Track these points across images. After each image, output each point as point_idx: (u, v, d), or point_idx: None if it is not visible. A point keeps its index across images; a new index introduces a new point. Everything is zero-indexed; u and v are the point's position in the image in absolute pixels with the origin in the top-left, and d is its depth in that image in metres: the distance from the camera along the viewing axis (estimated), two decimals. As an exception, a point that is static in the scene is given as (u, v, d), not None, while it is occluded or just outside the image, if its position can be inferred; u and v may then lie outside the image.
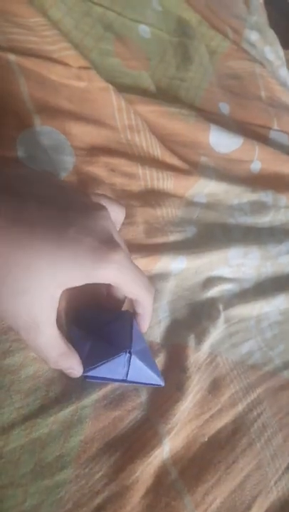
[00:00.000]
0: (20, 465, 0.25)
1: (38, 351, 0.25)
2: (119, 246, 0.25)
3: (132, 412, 0.30)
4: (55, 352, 0.25)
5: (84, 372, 0.27)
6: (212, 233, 0.44)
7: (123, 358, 0.27)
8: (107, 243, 0.24)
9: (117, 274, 0.24)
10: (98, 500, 0.27)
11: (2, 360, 0.26)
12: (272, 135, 0.57)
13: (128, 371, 0.27)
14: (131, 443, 0.29)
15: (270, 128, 0.57)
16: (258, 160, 0.52)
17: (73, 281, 0.23)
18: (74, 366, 0.27)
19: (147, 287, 0.28)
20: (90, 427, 0.28)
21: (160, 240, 0.39)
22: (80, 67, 0.37)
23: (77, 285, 0.24)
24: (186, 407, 0.32)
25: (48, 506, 0.25)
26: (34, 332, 0.24)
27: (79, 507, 0.26)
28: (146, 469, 0.29)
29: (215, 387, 0.36)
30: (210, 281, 0.41)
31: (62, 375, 0.28)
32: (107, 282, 0.25)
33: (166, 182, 0.42)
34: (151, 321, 0.34)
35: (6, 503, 0.24)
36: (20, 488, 0.25)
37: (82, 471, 0.27)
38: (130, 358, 0.27)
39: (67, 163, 0.35)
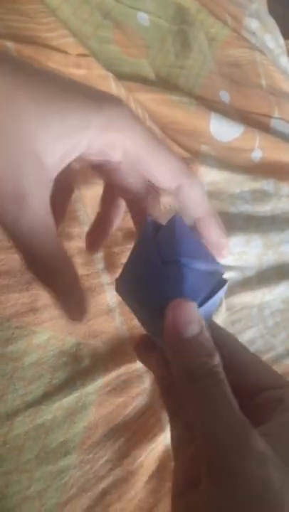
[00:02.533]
0: (24, 451, 0.25)
1: (19, 237, 0.18)
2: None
3: (135, 398, 0.30)
4: (41, 246, 0.18)
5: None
6: (213, 222, 0.44)
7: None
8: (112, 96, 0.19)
9: (128, 127, 0.18)
10: (102, 485, 0.27)
11: (5, 348, 0.26)
12: (273, 123, 0.57)
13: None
14: (135, 429, 0.29)
15: (271, 116, 0.57)
16: (259, 148, 0.52)
17: (64, 138, 0.17)
18: (67, 284, 0.19)
19: (185, 166, 0.21)
20: (94, 413, 0.28)
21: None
22: (78, 55, 0.37)
23: (69, 146, 0.18)
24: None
25: (52, 491, 0.25)
26: (19, 205, 0.17)
27: (83, 492, 0.26)
28: (151, 455, 0.29)
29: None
30: (212, 270, 0.41)
31: (67, 362, 0.28)
32: (113, 147, 0.19)
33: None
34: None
35: (11, 489, 0.24)
36: (25, 474, 0.25)
37: (86, 457, 0.27)
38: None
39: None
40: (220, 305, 0.39)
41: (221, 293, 0.21)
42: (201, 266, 0.20)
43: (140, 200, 0.23)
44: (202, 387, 0.17)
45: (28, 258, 0.19)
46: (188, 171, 0.21)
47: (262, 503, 0.14)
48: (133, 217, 0.24)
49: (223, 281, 0.21)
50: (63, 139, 0.17)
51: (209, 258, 0.21)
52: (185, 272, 0.19)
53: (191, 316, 0.18)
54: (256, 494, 0.14)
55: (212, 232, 0.23)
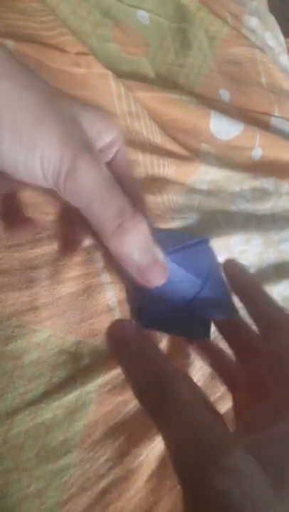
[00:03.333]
0: (24, 449, 0.25)
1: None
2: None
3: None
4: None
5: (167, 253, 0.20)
6: (213, 220, 0.44)
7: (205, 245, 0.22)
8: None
9: None
10: (103, 483, 0.27)
11: (4, 346, 0.26)
12: (274, 122, 0.56)
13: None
14: (135, 427, 0.29)
15: (271, 115, 0.57)
16: (259, 147, 0.52)
17: None
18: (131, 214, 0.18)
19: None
20: (94, 411, 0.28)
21: (162, 227, 0.38)
22: (78, 53, 0.37)
23: None
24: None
25: (52, 490, 0.25)
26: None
27: (84, 490, 0.26)
28: (151, 453, 0.29)
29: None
30: (212, 268, 0.41)
31: (67, 361, 0.28)
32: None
33: (167, 169, 0.41)
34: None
35: (11, 487, 0.24)
36: (25, 473, 0.25)
37: (86, 455, 0.27)
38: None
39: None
40: None
41: (208, 247, 0.23)
42: (184, 244, 0.22)
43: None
44: (162, 397, 0.16)
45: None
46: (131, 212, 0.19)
47: None
48: None
49: (206, 239, 0.23)
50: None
51: (187, 236, 0.23)
52: (178, 259, 0.21)
53: (125, 337, 0.19)
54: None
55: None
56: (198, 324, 0.21)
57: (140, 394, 0.17)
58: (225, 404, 0.34)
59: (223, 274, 0.23)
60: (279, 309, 0.22)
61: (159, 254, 0.19)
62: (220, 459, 0.14)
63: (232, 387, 0.23)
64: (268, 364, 0.20)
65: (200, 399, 0.17)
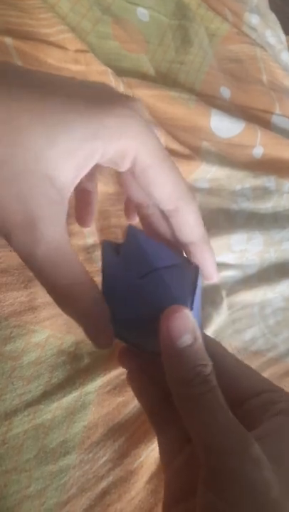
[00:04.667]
0: (23, 451, 0.25)
1: (36, 270, 0.17)
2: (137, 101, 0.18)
3: (135, 397, 0.30)
4: (59, 274, 0.17)
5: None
6: (214, 219, 0.44)
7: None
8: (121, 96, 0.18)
9: (134, 133, 0.17)
10: (102, 485, 0.26)
11: (3, 347, 0.26)
12: (275, 120, 0.56)
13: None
14: (135, 428, 0.29)
15: (272, 112, 0.56)
16: (261, 145, 0.51)
17: (73, 152, 0.16)
18: (90, 310, 0.18)
19: (186, 188, 0.20)
20: (94, 412, 0.28)
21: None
22: (77, 51, 0.37)
23: (80, 159, 0.17)
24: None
25: (52, 491, 0.25)
26: (31, 234, 0.16)
27: (83, 492, 0.26)
28: (151, 454, 0.29)
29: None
30: (213, 268, 0.41)
31: (66, 361, 0.28)
32: (120, 153, 0.18)
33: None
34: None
35: (10, 488, 0.24)
36: (24, 474, 0.25)
37: (86, 457, 0.27)
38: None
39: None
40: (220, 304, 0.39)
41: (200, 280, 0.21)
42: (173, 264, 0.20)
43: (144, 207, 0.23)
44: (198, 396, 0.17)
45: (47, 286, 0.18)
46: (188, 193, 0.20)
47: (263, 509, 0.14)
48: (140, 220, 0.24)
49: (196, 269, 0.21)
50: (73, 153, 0.16)
51: (175, 254, 0.22)
52: (166, 277, 0.19)
53: (186, 324, 0.18)
54: (258, 500, 0.14)
55: (206, 261, 0.22)
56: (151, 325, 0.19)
57: (181, 383, 0.18)
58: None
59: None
60: None
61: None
62: (248, 449, 0.15)
63: (157, 424, 0.23)
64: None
65: (226, 404, 0.17)
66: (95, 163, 0.17)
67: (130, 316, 0.20)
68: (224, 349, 0.22)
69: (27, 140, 0.15)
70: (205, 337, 0.21)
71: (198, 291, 0.20)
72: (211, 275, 0.23)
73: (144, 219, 0.23)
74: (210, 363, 0.18)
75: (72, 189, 0.17)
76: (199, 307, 0.21)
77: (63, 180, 0.16)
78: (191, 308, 0.19)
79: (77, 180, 0.17)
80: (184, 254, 0.23)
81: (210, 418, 0.16)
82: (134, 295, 0.20)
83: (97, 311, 0.19)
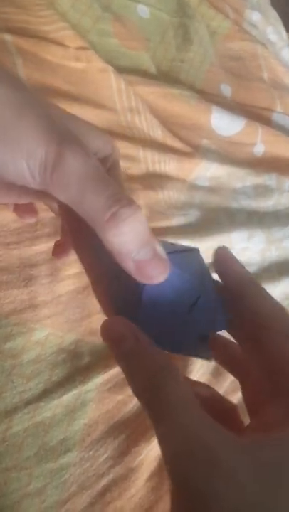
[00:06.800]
0: (24, 448, 0.25)
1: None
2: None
3: None
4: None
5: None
6: (215, 217, 0.44)
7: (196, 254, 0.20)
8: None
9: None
10: (103, 482, 0.26)
11: (3, 345, 0.26)
12: (275, 117, 0.56)
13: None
14: (135, 426, 0.29)
15: (273, 110, 0.56)
16: (261, 143, 0.51)
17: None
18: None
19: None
20: (94, 410, 0.28)
21: (163, 223, 0.38)
22: (77, 48, 0.36)
23: None
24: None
25: (52, 489, 0.25)
26: None
27: (84, 489, 0.26)
28: (151, 452, 0.29)
29: (218, 371, 0.36)
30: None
31: (66, 359, 0.28)
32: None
33: (168, 165, 0.41)
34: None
35: (10, 486, 0.24)
36: (24, 471, 0.25)
37: (86, 454, 0.27)
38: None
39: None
40: None
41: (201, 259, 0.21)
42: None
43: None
44: (153, 400, 0.15)
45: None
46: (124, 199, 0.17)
47: None
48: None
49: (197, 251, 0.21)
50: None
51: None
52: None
53: (119, 333, 0.17)
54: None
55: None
56: (201, 343, 0.20)
57: (136, 395, 0.16)
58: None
59: (213, 284, 0.21)
60: (275, 305, 0.19)
61: (158, 247, 0.17)
62: (212, 470, 0.13)
63: (240, 377, 0.21)
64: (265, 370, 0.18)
65: (192, 400, 0.15)
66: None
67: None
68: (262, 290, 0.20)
69: None
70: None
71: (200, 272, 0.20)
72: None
73: None
74: (161, 362, 0.16)
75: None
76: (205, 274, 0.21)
77: None
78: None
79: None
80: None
81: (168, 424, 0.14)
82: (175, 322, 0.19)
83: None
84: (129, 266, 0.17)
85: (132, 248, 0.17)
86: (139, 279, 0.18)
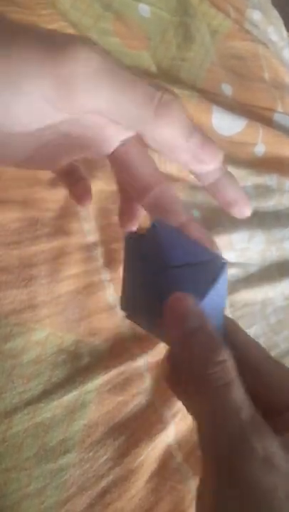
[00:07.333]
0: (23, 449, 0.25)
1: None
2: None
3: (136, 396, 0.30)
4: None
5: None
6: (216, 217, 0.44)
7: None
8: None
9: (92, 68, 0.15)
10: (103, 483, 0.26)
11: (3, 345, 0.26)
12: (277, 117, 0.56)
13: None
14: (135, 427, 0.29)
15: (274, 110, 0.56)
16: (262, 143, 0.51)
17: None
18: None
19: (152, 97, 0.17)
20: (94, 411, 0.28)
21: (163, 223, 0.38)
22: (78, 47, 0.36)
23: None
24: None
25: (52, 489, 0.25)
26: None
27: (83, 490, 0.26)
28: (151, 453, 0.29)
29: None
30: (214, 266, 0.41)
31: (66, 360, 0.28)
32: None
33: (168, 165, 0.41)
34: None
35: (10, 486, 0.24)
36: (24, 472, 0.25)
37: (86, 455, 0.27)
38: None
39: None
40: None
41: (224, 277, 0.20)
42: (195, 261, 0.20)
43: (146, 193, 0.21)
44: (203, 385, 0.15)
45: None
46: (155, 103, 0.16)
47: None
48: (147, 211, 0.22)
49: (222, 265, 0.20)
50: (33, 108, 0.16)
51: (203, 250, 0.20)
52: (180, 274, 0.19)
53: (187, 310, 0.17)
54: (256, 500, 0.13)
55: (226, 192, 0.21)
56: None
57: (193, 374, 0.16)
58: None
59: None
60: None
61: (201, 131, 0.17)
62: (253, 446, 0.14)
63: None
64: None
65: (237, 379, 0.16)
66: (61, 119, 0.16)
67: (142, 310, 0.20)
68: (264, 351, 0.21)
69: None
70: (244, 335, 0.21)
71: (219, 288, 0.19)
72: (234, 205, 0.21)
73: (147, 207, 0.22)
74: (222, 350, 0.16)
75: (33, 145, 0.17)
76: (222, 305, 0.20)
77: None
78: (201, 300, 0.18)
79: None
80: (216, 250, 0.22)
81: (213, 412, 0.15)
82: (149, 291, 0.19)
83: None
84: (183, 156, 0.18)
85: (183, 137, 0.17)
86: (195, 166, 0.18)
